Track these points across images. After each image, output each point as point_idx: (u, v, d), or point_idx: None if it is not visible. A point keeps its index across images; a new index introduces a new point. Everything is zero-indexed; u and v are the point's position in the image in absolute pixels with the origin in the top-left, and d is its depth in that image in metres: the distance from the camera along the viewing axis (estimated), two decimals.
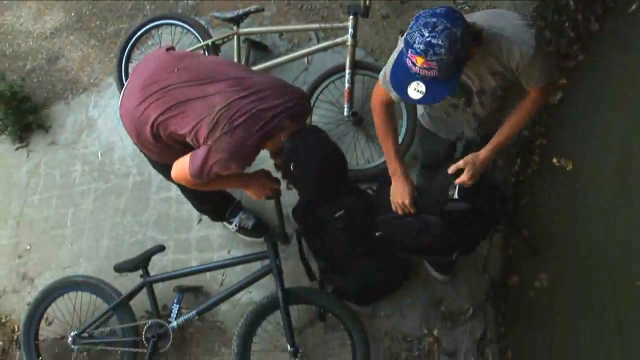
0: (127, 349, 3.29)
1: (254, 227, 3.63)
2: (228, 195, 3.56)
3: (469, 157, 2.65)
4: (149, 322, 3.26)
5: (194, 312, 3.22)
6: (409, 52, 2.16)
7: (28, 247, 3.96)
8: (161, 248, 3.31)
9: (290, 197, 3.37)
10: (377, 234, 3.06)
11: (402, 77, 2.28)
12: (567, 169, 3.66)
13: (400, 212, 2.85)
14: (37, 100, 4.38)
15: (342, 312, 3.19)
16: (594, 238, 3.42)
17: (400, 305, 3.44)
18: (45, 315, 3.52)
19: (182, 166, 2.69)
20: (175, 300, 3.31)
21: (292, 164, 2.82)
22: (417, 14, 2.17)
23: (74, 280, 3.45)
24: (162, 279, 3.28)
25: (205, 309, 3.25)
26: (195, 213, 3.74)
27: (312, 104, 3.62)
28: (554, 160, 3.71)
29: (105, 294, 3.36)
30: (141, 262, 3.25)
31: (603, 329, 3.21)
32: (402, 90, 2.29)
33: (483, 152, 2.65)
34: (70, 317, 3.58)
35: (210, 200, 3.44)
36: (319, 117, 3.81)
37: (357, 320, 3.18)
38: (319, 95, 3.79)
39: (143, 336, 3.24)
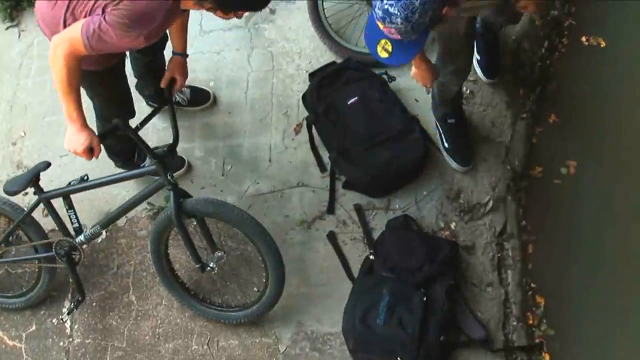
0: (46, 264, 3.24)
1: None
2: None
3: None
4: (56, 240, 3.17)
5: (98, 226, 3.11)
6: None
7: (22, 134, 3.87)
8: (47, 165, 3.07)
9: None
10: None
11: (373, 32, 2.24)
12: (602, 45, 3.53)
13: None
14: None
15: (249, 229, 2.99)
16: (627, 120, 3.34)
17: (415, 198, 3.38)
18: None
19: (71, 28, 2.43)
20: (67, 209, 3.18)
21: None
22: None
23: None
24: (57, 195, 3.09)
25: (107, 223, 3.13)
26: None
27: None
28: (583, 39, 3.59)
29: (7, 211, 3.22)
30: (29, 182, 3.03)
31: (631, 221, 3.15)
32: (372, 47, 2.28)
33: None
34: None
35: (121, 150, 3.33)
36: None
37: (268, 239, 2.99)
38: None
39: (54, 252, 3.17)
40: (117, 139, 3.13)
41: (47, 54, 2.55)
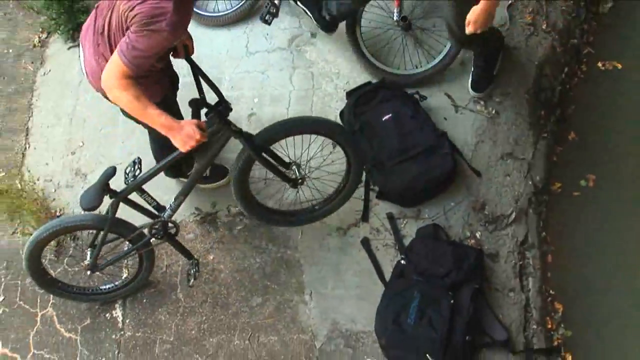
0: (145, 248, 3.24)
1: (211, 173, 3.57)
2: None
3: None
4: (144, 224, 3.16)
5: (180, 195, 3.10)
6: None
7: (81, 144, 3.94)
8: (114, 170, 3.02)
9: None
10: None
11: None
12: (619, 68, 3.62)
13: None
14: (89, 0, 4.25)
15: (315, 127, 3.11)
16: None
17: (444, 208, 3.42)
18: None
19: (110, 61, 2.51)
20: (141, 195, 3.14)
21: None
22: None
23: (55, 231, 3.13)
24: (132, 190, 3.04)
25: (186, 190, 3.11)
26: None
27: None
28: (599, 64, 3.67)
29: (93, 225, 3.16)
30: (102, 191, 2.97)
31: None
32: None
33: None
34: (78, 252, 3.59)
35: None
36: (368, 21, 3.69)
37: (343, 132, 3.13)
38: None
39: (152, 236, 3.17)
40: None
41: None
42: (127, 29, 2.45)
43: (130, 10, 2.40)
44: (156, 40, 2.44)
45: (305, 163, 3.23)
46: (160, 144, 3.23)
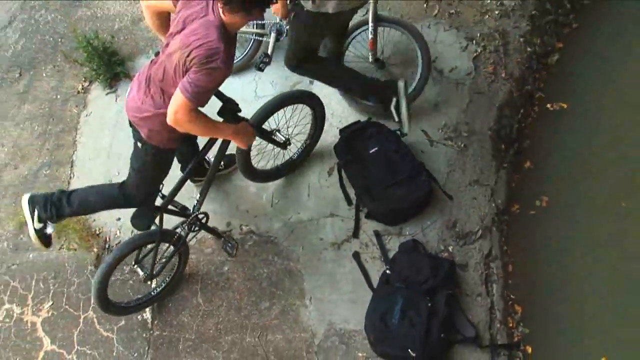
0: (184, 246, 3.25)
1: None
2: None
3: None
4: (179, 224, 3.22)
5: (203, 187, 3.20)
6: None
7: (117, 174, 3.95)
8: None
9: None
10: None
11: None
12: (564, 107, 3.66)
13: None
14: (124, 54, 4.34)
15: (298, 97, 3.37)
16: (586, 162, 3.47)
17: (422, 226, 3.42)
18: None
19: (174, 100, 2.51)
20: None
21: None
22: None
23: (122, 254, 3.07)
24: (167, 202, 3.10)
25: (209, 180, 3.20)
26: None
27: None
28: (548, 105, 3.70)
29: (149, 239, 3.12)
30: (150, 212, 3.02)
31: (595, 245, 3.27)
32: None
33: None
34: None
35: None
36: (347, 64, 3.72)
37: (312, 95, 3.38)
38: (347, 46, 3.70)
39: (188, 232, 3.22)
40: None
41: None
42: (187, 70, 2.47)
43: (188, 55, 2.43)
44: (214, 76, 2.46)
45: (283, 128, 3.37)
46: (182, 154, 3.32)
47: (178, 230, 3.17)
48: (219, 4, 2.43)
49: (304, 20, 3.09)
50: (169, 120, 2.54)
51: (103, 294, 3.12)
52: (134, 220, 3.05)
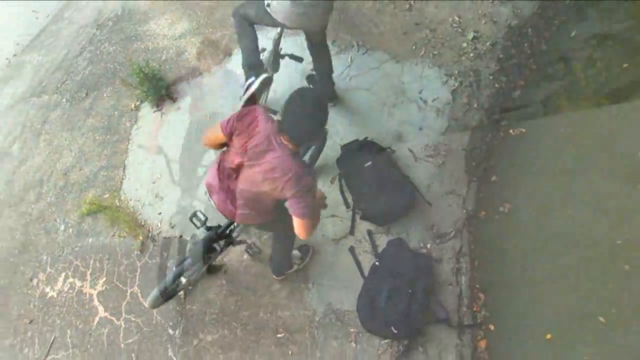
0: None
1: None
2: None
3: None
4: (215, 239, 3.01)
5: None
6: None
7: (159, 176, 4.01)
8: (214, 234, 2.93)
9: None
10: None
11: None
12: (524, 132, 3.63)
13: None
14: (169, 80, 4.39)
15: None
16: (542, 176, 3.45)
17: (406, 227, 3.39)
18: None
19: (299, 224, 2.42)
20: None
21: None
22: None
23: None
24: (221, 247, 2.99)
25: None
26: None
27: None
28: (511, 131, 3.67)
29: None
30: (203, 252, 2.90)
31: (546, 244, 3.24)
32: None
33: None
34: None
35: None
36: None
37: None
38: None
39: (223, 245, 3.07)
40: None
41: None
42: (280, 199, 2.41)
43: (282, 191, 2.34)
44: (310, 187, 2.37)
45: None
46: None
47: (215, 246, 3.05)
48: (282, 139, 2.33)
49: None
50: (305, 238, 2.47)
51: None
52: (193, 247, 2.97)
